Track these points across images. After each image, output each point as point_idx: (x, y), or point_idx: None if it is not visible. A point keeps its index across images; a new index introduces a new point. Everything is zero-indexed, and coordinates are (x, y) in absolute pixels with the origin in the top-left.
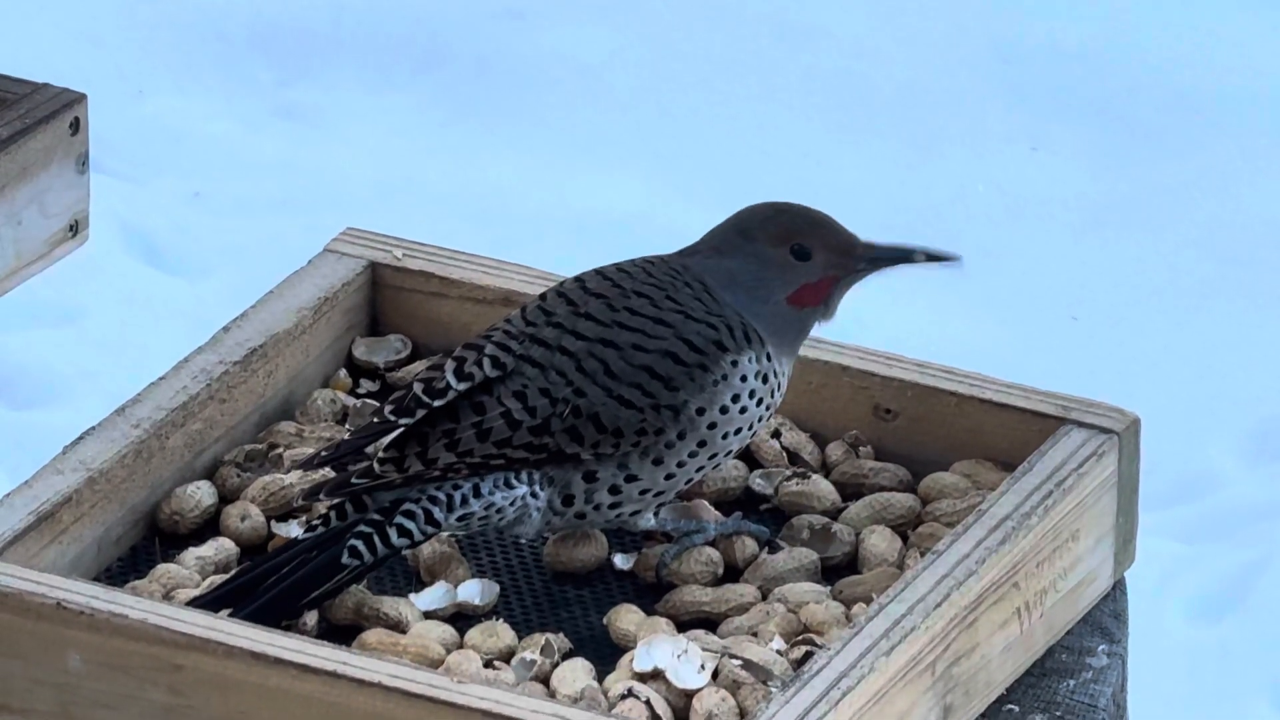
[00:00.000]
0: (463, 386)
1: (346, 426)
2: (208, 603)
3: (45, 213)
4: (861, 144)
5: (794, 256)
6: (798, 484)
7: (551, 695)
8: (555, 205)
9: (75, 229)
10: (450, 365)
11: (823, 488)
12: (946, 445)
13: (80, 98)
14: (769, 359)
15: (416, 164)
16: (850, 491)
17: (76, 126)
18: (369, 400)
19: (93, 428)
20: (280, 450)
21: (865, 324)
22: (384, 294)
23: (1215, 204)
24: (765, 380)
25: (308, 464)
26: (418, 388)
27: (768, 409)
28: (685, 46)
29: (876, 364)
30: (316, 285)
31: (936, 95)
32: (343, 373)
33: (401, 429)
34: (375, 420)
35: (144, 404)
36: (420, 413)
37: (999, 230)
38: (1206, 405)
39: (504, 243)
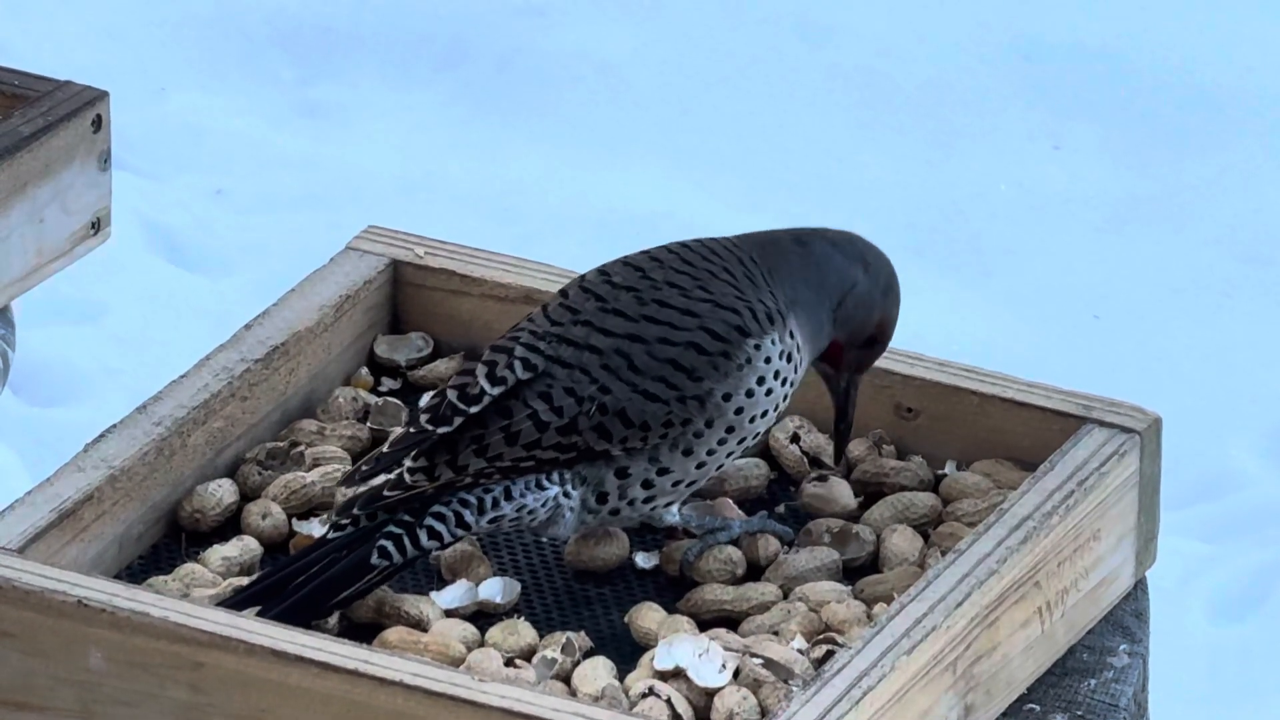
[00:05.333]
0: (497, 391)
1: (368, 424)
2: (237, 603)
3: (67, 210)
4: (883, 142)
5: (865, 340)
6: (815, 486)
7: (573, 694)
8: (577, 203)
9: (97, 226)
10: (482, 370)
11: (840, 490)
12: (968, 444)
13: (102, 95)
14: (791, 336)
15: (438, 161)
16: (872, 490)
17: (99, 124)
18: (390, 398)
19: (114, 425)
20: (302, 448)
21: None
22: (405, 292)
23: (1237, 202)
24: (789, 358)
25: (348, 480)
26: (452, 395)
27: (792, 385)
28: (707, 44)
29: (898, 363)
30: (338, 283)
31: (958, 93)
32: (364, 370)
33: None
34: (413, 431)
35: (165, 401)
36: (458, 420)
37: (1021, 229)
38: (1228, 404)
39: (526, 240)
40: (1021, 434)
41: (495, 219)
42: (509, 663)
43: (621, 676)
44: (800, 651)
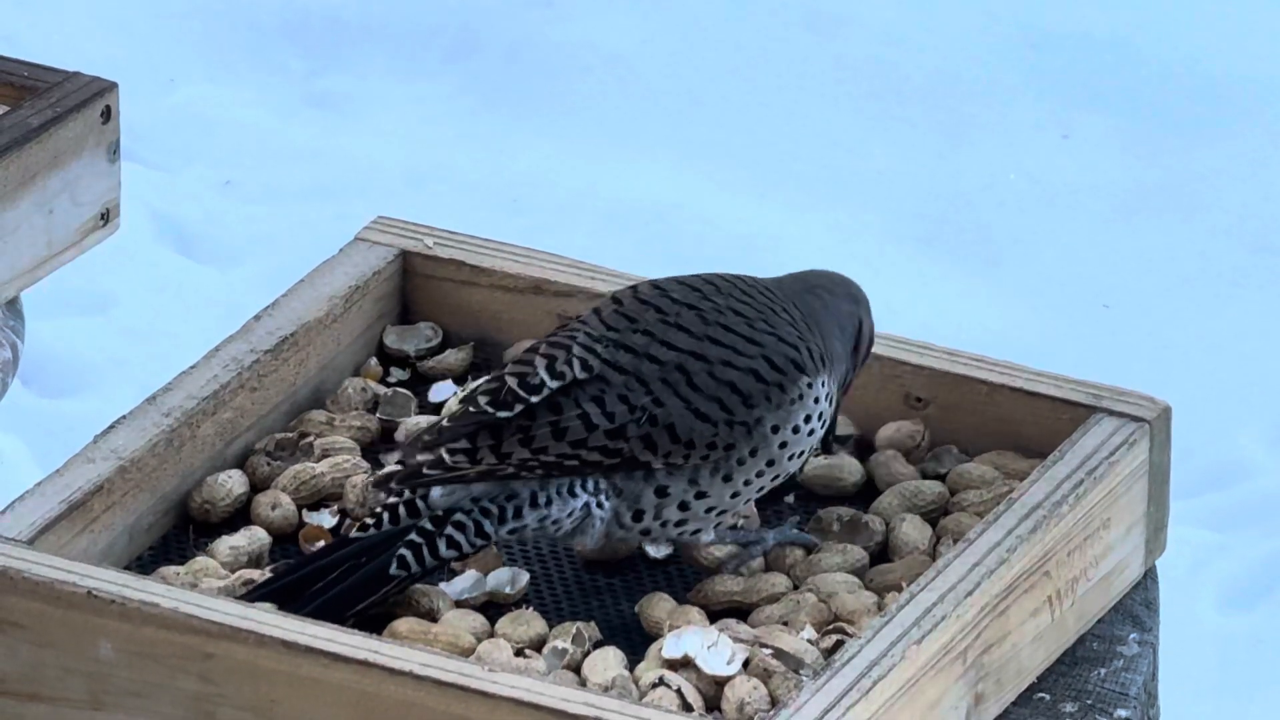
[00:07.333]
0: (555, 384)
1: (378, 415)
2: (253, 599)
3: (76, 201)
4: (892, 132)
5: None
6: (821, 459)
7: (583, 684)
8: (586, 193)
9: (106, 217)
10: (541, 363)
11: (848, 464)
12: (977, 434)
13: (111, 86)
14: (829, 383)
15: (447, 152)
16: (884, 482)
17: (108, 115)
18: (399, 389)
19: (124, 416)
20: (311, 439)
21: (896, 312)
22: (415, 282)
23: (1246, 191)
24: (831, 402)
25: (409, 448)
26: (512, 381)
27: (824, 428)
28: (716, 35)
29: (907, 352)
30: (347, 273)
31: (967, 83)
32: (373, 361)
33: (477, 421)
34: (472, 410)
35: (175, 392)
36: (519, 407)
37: (1030, 218)
38: (1238, 393)
39: (534, 231)
40: (1031, 423)
41: (504, 209)
42: (519, 653)
43: (632, 667)
44: (810, 642)
